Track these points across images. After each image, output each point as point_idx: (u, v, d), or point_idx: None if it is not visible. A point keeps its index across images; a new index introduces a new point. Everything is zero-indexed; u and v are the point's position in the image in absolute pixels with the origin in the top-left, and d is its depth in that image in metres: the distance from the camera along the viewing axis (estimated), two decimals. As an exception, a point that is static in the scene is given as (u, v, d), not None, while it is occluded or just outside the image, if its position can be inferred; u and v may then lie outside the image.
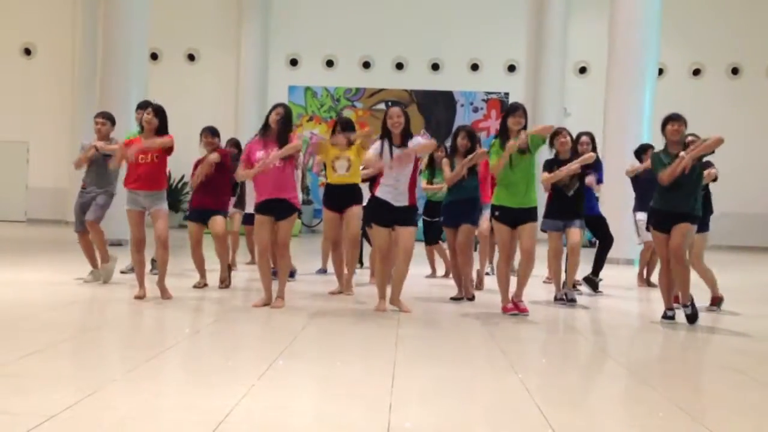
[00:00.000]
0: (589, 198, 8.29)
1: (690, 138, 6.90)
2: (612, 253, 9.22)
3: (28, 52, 21.05)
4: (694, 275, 6.87)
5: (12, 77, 20.79)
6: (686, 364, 5.27)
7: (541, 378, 4.36)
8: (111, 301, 6.81)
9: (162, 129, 6.89)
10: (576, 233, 7.64)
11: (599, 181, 8.32)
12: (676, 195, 6.41)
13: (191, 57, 21.20)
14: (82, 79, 19.70)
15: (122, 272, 8.49)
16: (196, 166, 7.95)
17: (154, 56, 20.03)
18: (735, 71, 20.55)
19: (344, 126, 7.81)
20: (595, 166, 7.97)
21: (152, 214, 6.91)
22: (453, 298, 7.59)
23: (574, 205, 7.61)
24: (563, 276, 7.75)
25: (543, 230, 7.68)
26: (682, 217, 6.42)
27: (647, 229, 6.97)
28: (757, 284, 11.35)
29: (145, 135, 6.90)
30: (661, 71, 17.66)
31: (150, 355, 4.48)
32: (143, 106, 8.41)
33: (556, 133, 7.65)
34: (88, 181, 8.01)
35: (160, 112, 6.91)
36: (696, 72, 20.63)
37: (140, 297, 6.77)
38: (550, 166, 7.63)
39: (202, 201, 7.84)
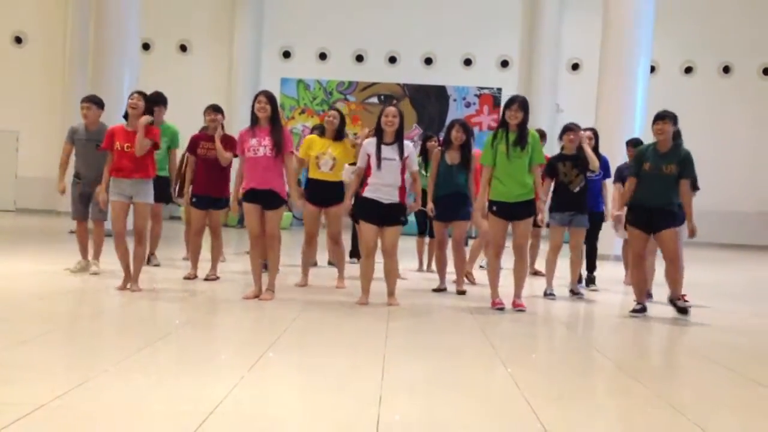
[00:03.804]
0: (596, 194, 8.38)
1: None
2: (602, 250, 9.25)
3: (18, 40, 20.91)
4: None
5: (2, 66, 20.65)
6: (675, 359, 5.30)
7: (531, 372, 4.37)
8: (100, 292, 6.79)
9: (147, 113, 6.87)
10: (579, 233, 7.74)
11: (606, 176, 8.56)
12: (652, 189, 6.47)
13: (183, 48, 21.11)
14: (73, 68, 19.61)
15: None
16: (192, 141, 7.91)
17: (145, 47, 19.93)
18: (726, 69, 20.62)
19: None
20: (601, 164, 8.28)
21: (135, 205, 6.85)
22: (435, 290, 7.64)
23: (579, 200, 7.69)
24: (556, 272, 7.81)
25: (547, 225, 7.79)
26: (659, 212, 6.47)
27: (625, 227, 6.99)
28: (743, 281, 11.43)
29: (131, 121, 6.85)
30: (653, 69, 17.69)
31: (140, 346, 4.47)
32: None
33: (568, 129, 7.83)
34: (79, 165, 7.99)
35: (145, 96, 6.94)
36: (688, 70, 20.70)
37: (123, 288, 6.73)
38: (556, 161, 7.78)
39: (207, 189, 7.84)
